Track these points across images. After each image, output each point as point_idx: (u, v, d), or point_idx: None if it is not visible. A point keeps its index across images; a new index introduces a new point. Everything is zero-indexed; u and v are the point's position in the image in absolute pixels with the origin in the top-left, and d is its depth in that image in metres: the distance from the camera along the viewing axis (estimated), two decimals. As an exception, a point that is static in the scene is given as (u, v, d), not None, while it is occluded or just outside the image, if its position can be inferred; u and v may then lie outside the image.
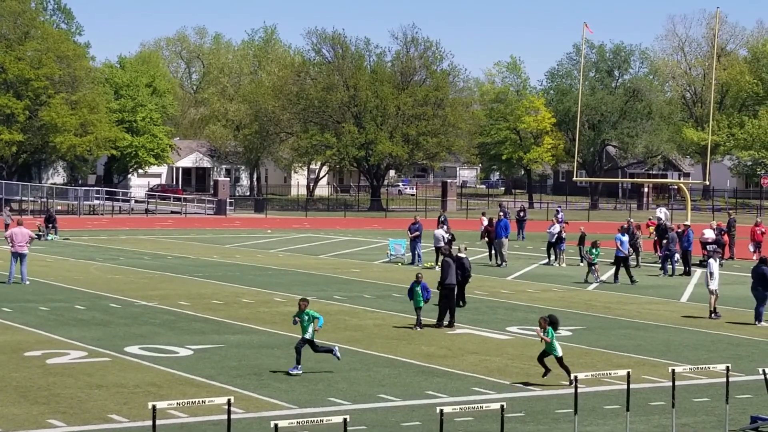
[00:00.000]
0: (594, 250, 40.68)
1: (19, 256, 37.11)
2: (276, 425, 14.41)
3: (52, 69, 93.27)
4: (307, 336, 21.85)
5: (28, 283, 36.99)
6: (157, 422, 14.58)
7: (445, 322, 28.72)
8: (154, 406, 14.39)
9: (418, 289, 28.07)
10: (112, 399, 19.48)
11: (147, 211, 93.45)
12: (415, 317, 28.53)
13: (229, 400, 14.85)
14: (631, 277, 40.46)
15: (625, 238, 41.49)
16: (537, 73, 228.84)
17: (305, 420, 15.25)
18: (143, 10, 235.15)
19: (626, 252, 41.40)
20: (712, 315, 31.14)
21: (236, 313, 30.79)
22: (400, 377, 21.96)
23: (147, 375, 21.77)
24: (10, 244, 37.31)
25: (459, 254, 32.49)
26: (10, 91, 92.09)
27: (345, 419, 14.81)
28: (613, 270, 41.21)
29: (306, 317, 21.88)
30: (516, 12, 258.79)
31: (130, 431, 17.25)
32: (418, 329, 28.11)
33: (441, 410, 15.61)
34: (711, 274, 31.14)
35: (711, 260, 32.18)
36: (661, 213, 62.30)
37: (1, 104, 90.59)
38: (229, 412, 14.70)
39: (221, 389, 20.23)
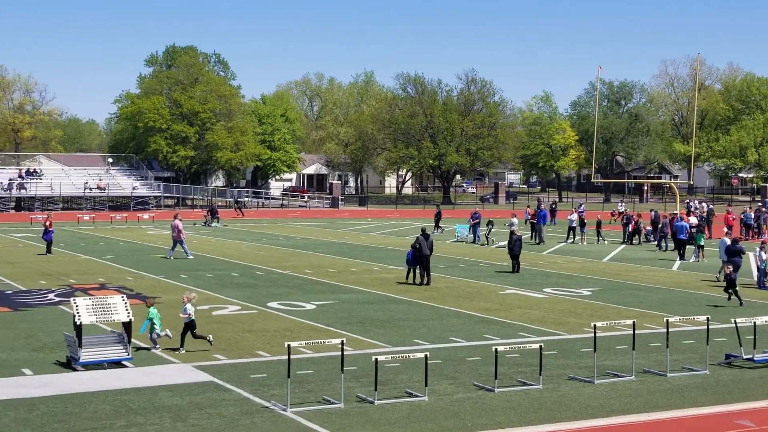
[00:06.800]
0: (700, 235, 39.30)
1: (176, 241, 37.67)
2: (376, 359, 14.45)
3: (214, 104, 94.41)
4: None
5: (191, 257, 37.24)
6: (291, 357, 14.70)
7: (424, 281, 29.29)
8: (288, 345, 14.50)
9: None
10: (259, 340, 19.63)
11: (282, 205, 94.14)
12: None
13: (342, 341, 14.91)
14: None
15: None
16: (563, 102, 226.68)
17: (397, 355, 15.26)
18: (278, 61, 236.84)
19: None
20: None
21: (346, 279, 30.91)
22: (465, 325, 21.86)
23: (283, 323, 21.91)
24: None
25: (515, 233, 33.54)
26: (184, 120, 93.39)
27: (426, 355, 14.79)
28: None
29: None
30: (548, 58, 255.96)
31: (272, 363, 17.33)
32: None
33: (496, 349, 15.53)
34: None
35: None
36: (622, 206, 63.46)
37: (179, 130, 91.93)
38: (342, 350, 14.75)
39: (336, 333, 20.29)
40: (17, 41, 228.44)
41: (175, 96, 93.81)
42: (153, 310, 18.47)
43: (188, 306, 18.24)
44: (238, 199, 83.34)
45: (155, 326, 18.36)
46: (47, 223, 39.17)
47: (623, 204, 68.67)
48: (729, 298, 25.54)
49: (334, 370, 15.92)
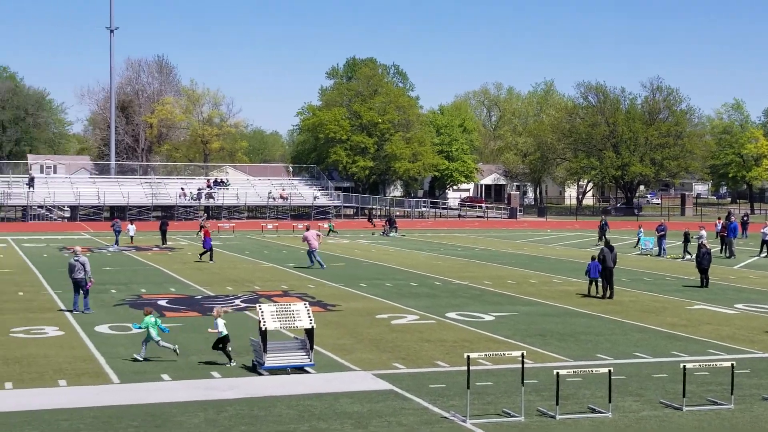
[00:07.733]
0: None
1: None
2: (557, 373, 14.25)
3: (392, 115, 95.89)
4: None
5: (325, 267, 36.91)
6: (470, 368, 14.71)
7: (607, 294, 28.72)
8: (468, 356, 14.52)
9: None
10: (438, 350, 19.73)
11: (459, 215, 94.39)
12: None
13: (522, 353, 14.80)
14: None
15: None
16: (756, 110, 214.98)
17: (579, 370, 15.01)
18: (457, 72, 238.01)
19: None
20: None
21: (525, 291, 30.64)
22: (650, 340, 21.22)
23: (462, 333, 21.94)
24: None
25: (704, 246, 32.75)
26: (364, 131, 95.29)
27: (609, 370, 14.48)
28: None
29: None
30: (739, 65, 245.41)
31: (451, 373, 17.38)
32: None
33: (684, 366, 15.02)
34: None
35: None
36: None
37: (358, 141, 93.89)
38: (522, 362, 14.64)
39: (516, 345, 20.14)
40: (207, 57, 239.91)
41: (355, 107, 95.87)
42: (148, 319, 18.38)
43: (218, 321, 18.10)
44: (367, 208, 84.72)
45: (151, 333, 18.22)
46: (204, 232, 41.39)
47: None
48: None
49: (514, 383, 15.81)
